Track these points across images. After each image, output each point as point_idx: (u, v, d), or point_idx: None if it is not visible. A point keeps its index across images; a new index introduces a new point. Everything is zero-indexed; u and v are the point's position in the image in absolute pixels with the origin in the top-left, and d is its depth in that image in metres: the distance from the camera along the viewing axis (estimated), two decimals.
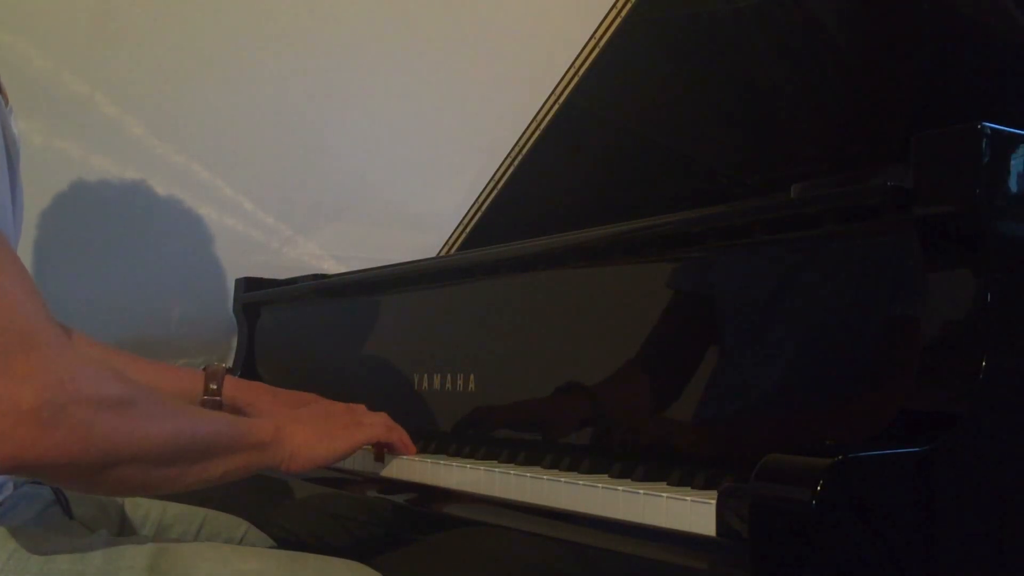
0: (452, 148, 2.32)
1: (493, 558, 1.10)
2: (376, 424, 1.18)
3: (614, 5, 1.55)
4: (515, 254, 1.27)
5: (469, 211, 1.83)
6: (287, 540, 1.42)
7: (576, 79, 1.61)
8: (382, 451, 1.23)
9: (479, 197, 1.81)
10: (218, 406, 1.35)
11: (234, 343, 1.92)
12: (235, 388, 1.36)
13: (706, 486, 0.90)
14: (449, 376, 1.31)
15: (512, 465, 1.10)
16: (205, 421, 1.00)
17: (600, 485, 0.92)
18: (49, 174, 1.91)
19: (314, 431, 1.11)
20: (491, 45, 2.37)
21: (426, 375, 1.35)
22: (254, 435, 1.05)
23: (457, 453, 1.23)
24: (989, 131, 0.80)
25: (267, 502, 1.51)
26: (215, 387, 1.34)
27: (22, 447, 0.82)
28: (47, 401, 0.83)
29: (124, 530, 1.31)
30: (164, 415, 0.94)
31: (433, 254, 1.90)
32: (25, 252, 1.87)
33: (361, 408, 1.21)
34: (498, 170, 1.76)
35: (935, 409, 0.79)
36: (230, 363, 1.91)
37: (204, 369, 1.36)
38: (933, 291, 0.83)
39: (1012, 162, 0.82)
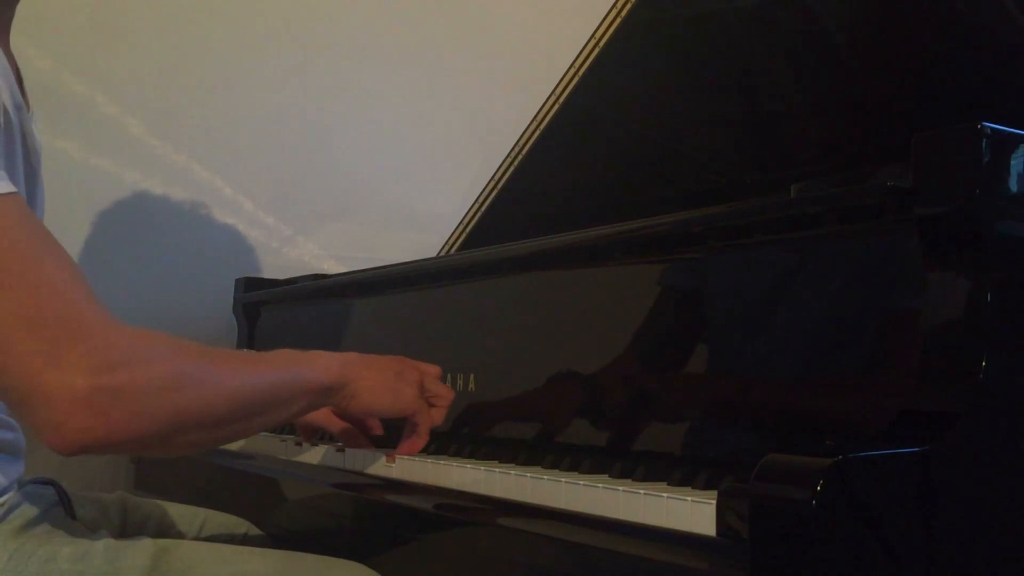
0: (452, 148, 2.32)
1: (493, 558, 1.10)
2: (438, 411, 1.17)
3: (614, 5, 1.55)
4: (515, 254, 1.27)
5: (469, 211, 1.83)
6: (287, 540, 1.42)
7: (576, 79, 1.61)
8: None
9: (479, 197, 1.81)
10: None
11: (234, 343, 1.92)
12: None
13: (706, 486, 0.90)
14: (449, 376, 1.31)
15: (512, 465, 1.10)
16: (265, 372, 0.98)
17: (600, 485, 0.92)
18: (49, 174, 1.90)
19: (382, 381, 1.10)
20: (491, 45, 2.37)
21: None
22: (317, 379, 1.03)
23: (457, 453, 1.23)
24: (989, 131, 0.80)
25: (267, 502, 1.51)
26: None
27: (82, 432, 0.83)
28: (100, 387, 0.83)
29: (125, 530, 1.31)
30: (225, 375, 0.93)
31: (433, 254, 1.90)
32: None
33: (431, 376, 1.18)
34: (498, 170, 1.76)
35: (935, 409, 0.79)
36: None
37: None
38: (933, 291, 0.83)
39: (1012, 162, 0.82)
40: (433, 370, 1.19)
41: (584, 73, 1.60)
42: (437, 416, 1.19)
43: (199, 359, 0.92)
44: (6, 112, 0.95)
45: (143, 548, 1.02)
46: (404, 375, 1.13)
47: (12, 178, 0.92)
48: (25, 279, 0.85)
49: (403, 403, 1.13)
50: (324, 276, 1.87)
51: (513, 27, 2.39)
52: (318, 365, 1.05)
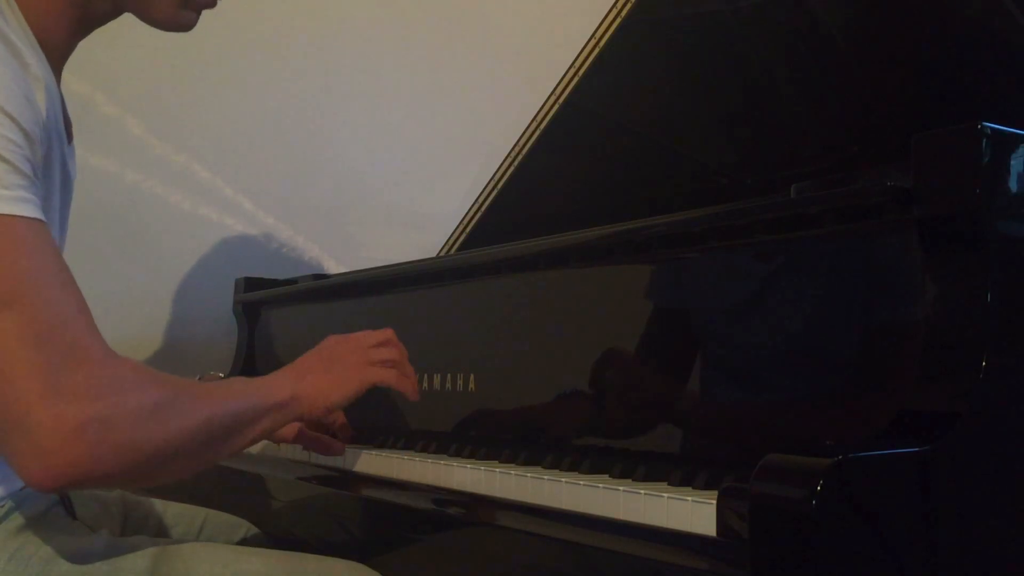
0: (452, 148, 2.32)
1: (493, 558, 1.10)
2: (386, 370, 1.18)
3: (614, 5, 1.55)
4: (515, 254, 1.27)
5: (469, 211, 1.83)
6: (287, 540, 1.42)
7: (576, 79, 1.61)
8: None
9: (479, 197, 1.81)
10: None
11: (234, 343, 1.92)
12: None
13: (707, 486, 0.90)
14: (449, 376, 1.31)
15: (513, 465, 1.10)
16: (231, 398, 1.02)
17: (601, 485, 0.92)
18: None
19: (327, 378, 1.13)
20: (491, 45, 2.36)
21: (426, 375, 1.35)
22: (274, 396, 1.07)
23: (457, 453, 1.23)
24: (989, 131, 0.80)
25: (267, 502, 1.51)
26: None
27: (71, 464, 0.85)
28: (92, 418, 0.85)
29: (126, 529, 1.31)
30: (197, 405, 0.96)
31: (433, 254, 1.90)
32: None
33: (369, 340, 1.19)
34: (498, 170, 1.76)
35: (935, 409, 0.79)
36: (230, 363, 1.91)
37: (199, 379, 1.37)
38: (933, 291, 0.83)
39: (1012, 162, 0.82)
40: (367, 339, 1.19)
41: (584, 73, 1.60)
42: (402, 380, 1.19)
43: (179, 386, 0.96)
44: (49, 144, 0.98)
45: (143, 549, 1.02)
46: (337, 359, 1.16)
47: (46, 206, 0.96)
48: (40, 300, 0.87)
49: (353, 384, 1.15)
50: (324, 276, 1.87)
51: (513, 27, 2.39)
52: (272, 385, 1.09)
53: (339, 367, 1.15)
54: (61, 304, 0.88)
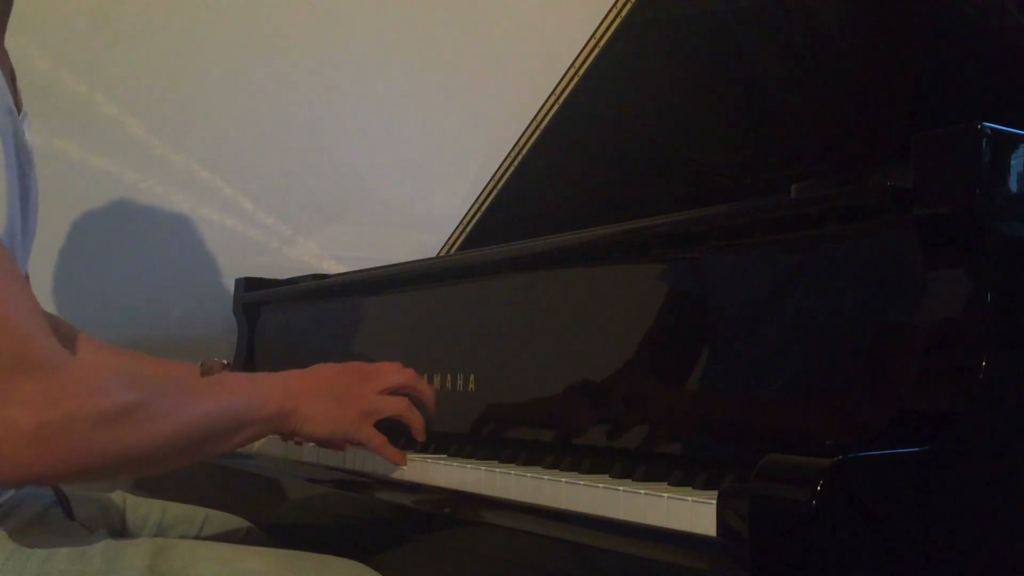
0: (452, 148, 2.32)
1: (493, 558, 1.10)
2: (377, 436, 1.15)
3: (614, 5, 1.55)
4: (515, 254, 1.27)
5: (469, 211, 1.83)
6: (287, 540, 1.42)
7: (576, 79, 1.61)
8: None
9: (479, 197, 1.81)
10: None
11: (234, 343, 1.92)
12: None
13: (707, 486, 0.90)
14: (449, 376, 1.31)
15: (512, 465, 1.10)
16: (212, 404, 1.00)
17: (601, 485, 0.92)
18: (48, 174, 1.90)
19: (321, 411, 1.09)
20: (491, 45, 2.37)
21: (426, 375, 1.35)
22: (261, 410, 1.05)
23: (457, 453, 1.23)
24: (989, 131, 0.80)
25: (267, 502, 1.51)
26: None
27: (22, 466, 0.84)
28: (44, 423, 0.84)
29: (125, 530, 1.31)
30: (170, 411, 0.94)
31: (433, 254, 1.90)
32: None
33: (383, 382, 1.16)
34: (498, 170, 1.76)
35: (935, 409, 0.79)
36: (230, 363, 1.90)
37: (201, 365, 1.36)
38: (933, 291, 0.83)
39: (1012, 162, 0.82)
40: (381, 380, 1.16)
41: (584, 73, 1.60)
42: (384, 449, 1.15)
43: (153, 390, 0.94)
44: None
45: (141, 548, 1.02)
46: (341, 399, 1.12)
47: None
48: None
49: (342, 430, 1.11)
50: (324, 276, 1.87)
51: (513, 27, 2.39)
52: (260, 397, 1.06)
53: (338, 408, 1.11)
54: (7, 309, 0.86)
